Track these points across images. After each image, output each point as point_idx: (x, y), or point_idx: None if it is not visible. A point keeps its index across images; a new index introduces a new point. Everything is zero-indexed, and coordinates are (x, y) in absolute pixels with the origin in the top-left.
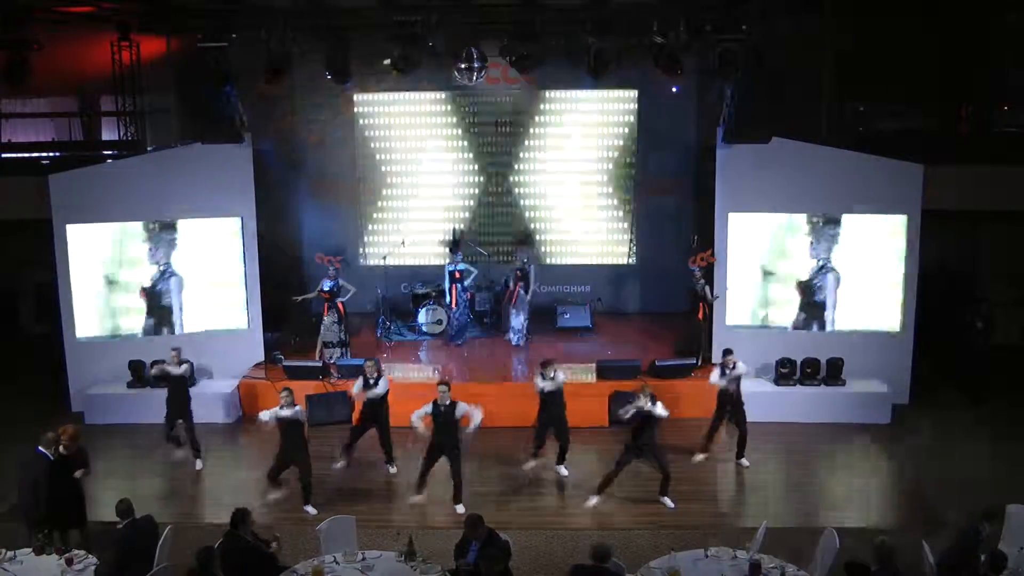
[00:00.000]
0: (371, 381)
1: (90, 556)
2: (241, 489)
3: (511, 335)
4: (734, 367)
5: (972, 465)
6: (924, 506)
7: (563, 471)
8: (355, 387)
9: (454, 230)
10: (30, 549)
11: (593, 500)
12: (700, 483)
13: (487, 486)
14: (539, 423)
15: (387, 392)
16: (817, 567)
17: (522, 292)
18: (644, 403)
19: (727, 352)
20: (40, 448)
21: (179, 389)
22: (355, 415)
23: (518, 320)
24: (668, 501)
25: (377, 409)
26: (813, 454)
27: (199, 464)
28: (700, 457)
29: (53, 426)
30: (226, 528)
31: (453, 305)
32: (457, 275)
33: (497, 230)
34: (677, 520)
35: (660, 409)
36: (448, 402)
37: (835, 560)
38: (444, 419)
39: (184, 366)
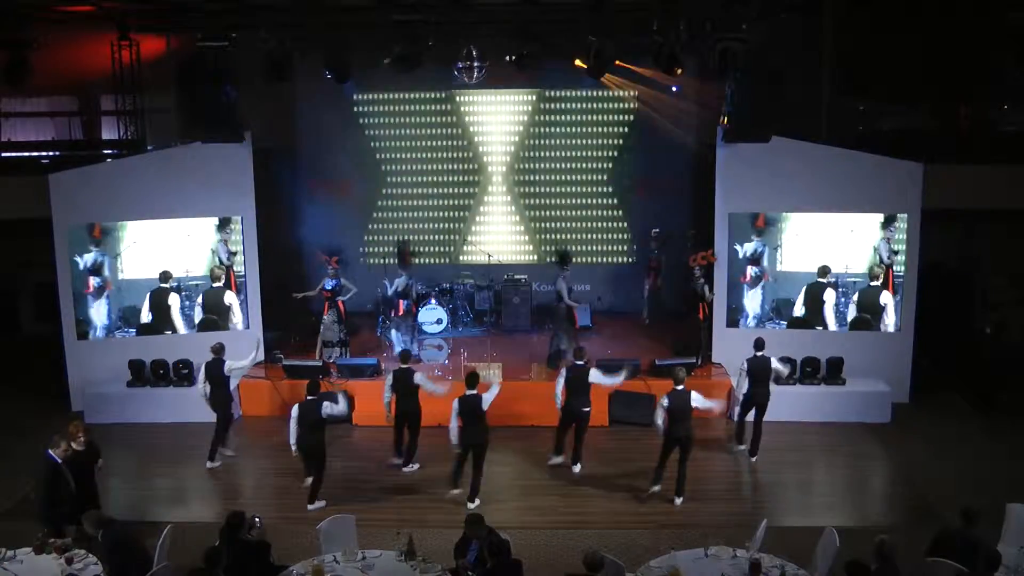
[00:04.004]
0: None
1: (90, 555)
2: (240, 488)
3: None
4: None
5: (973, 464)
6: (924, 505)
7: (576, 468)
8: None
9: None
10: (30, 548)
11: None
12: (700, 482)
13: (487, 485)
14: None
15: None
16: (817, 566)
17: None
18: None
19: (760, 344)
20: (49, 451)
21: (224, 387)
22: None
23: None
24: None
25: (413, 407)
26: (813, 453)
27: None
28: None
29: (53, 425)
30: (222, 529)
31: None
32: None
33: (497, 229)
34: (677, 519)
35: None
36: (474, 393)
37: (835, 559)
38: (471, 411)
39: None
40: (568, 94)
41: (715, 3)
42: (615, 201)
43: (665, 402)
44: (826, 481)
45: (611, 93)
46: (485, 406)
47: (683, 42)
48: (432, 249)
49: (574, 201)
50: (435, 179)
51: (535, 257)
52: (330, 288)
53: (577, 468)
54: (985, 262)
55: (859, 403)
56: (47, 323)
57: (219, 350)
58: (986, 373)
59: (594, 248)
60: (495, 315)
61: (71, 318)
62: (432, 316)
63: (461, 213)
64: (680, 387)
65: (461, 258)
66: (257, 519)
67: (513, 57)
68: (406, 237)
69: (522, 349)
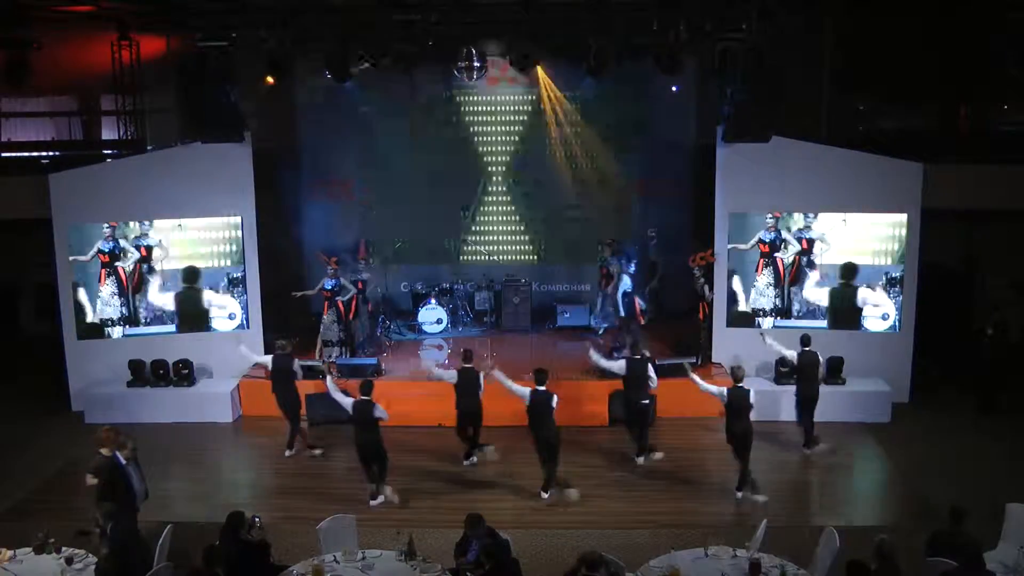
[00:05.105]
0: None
1: (90, 556)
2: (241, 488)
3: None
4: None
5: (973, 464)
6: (924, 505)
7: (646, 460)
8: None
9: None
10: (30, 548)
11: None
12: (700, 481)
13: (486, 485)
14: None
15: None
16: (817, 566)
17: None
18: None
19: (806, 340)
20: (116, 453)
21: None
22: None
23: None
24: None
25: (474, 406)
26: (813, 453)
27: (316, 452)
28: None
29: (54, 425)
30: (222, 529)
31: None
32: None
33: (497, 229)
34: (677, 519)
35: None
36: (544, 390)
37: (835, 559)
38: (538, 407)
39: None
40: (568, 94)
41: (715, 3)
42: (615, 201)
43: (725, 399)
44: (826, 481)
45: (610, 92)
46: (554, 403)
47: (683, 42)
48: (432, 249)
49: (574, 201)
50: (435, 179)
51: (535, 257)
52: (330, 288)
53: (641, 460)
54: (985, 262)
55: (859, 403)
56: (47, 323)
57: (283, 348)
58: (986, 373)
59: (594, 248)
60: (495, 315)
61: (71, 318)
62: (432, 316)
63: (461, 212)
64: (740, 384)
65: (461, 258)
66: (257, 519)
67: (513, 56)
68: (365, 236)
69: (522, 350)
